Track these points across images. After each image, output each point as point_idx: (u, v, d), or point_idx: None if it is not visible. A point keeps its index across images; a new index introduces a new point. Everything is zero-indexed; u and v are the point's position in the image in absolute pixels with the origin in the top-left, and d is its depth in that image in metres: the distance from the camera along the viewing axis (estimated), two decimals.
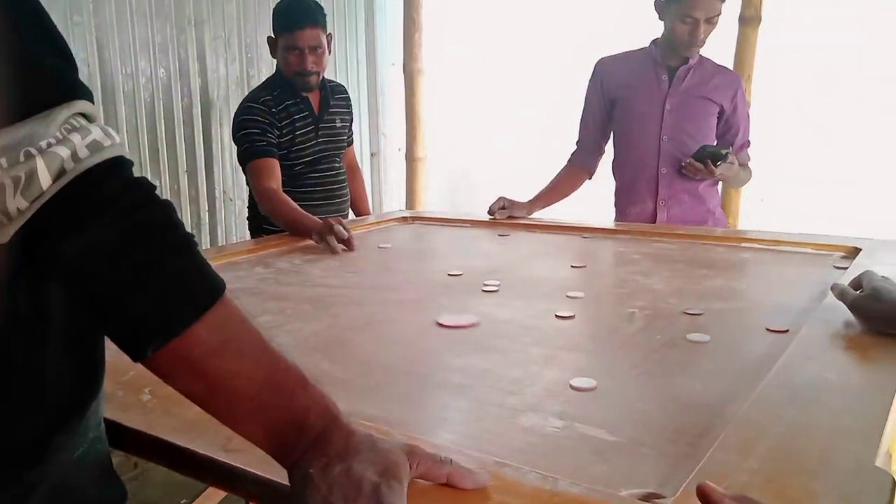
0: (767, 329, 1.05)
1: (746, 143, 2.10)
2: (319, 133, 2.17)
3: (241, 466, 0.64)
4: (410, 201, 3.43)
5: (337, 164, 2.26)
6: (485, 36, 3.47)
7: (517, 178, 2.56)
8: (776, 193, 2.68)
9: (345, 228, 1.72)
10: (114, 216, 0.51)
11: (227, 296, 0.56)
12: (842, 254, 1.53)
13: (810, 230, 1.76)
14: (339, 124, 2.24)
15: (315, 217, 1.82)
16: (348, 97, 2.31)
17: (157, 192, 0.56)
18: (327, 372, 0.91)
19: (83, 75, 2.35)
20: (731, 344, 1.00)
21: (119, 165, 0.53)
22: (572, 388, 0.84)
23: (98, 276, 0.51)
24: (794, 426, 0.68)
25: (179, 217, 0.57)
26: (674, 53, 1.99)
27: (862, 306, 0.96)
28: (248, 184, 2.20)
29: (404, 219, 2.20)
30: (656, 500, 0.58)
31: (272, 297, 1.29)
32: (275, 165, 2.02)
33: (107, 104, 2.49)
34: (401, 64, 3.38)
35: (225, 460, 0.65)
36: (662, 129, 2.02)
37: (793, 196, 2.69)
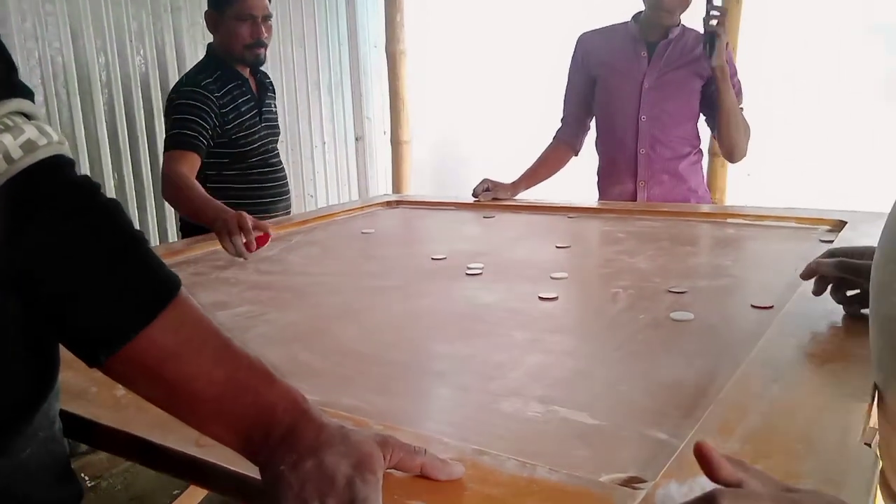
0: (752, 306, 1.04)
1: (738, 92, 1.97)
2: (262, 118, 2.06)
3: (214, 461, 0.63)
4: (396, 185, 3.41)
5: (278, 156, 2.17)
6: (468, 15, 3.43)
7: (506, 158, 2.54)
8: (763, 168, 2.67)
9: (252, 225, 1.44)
10: (51, 219, 0.49)
11: (183, 294, 0.54)
12: (827, 227, 1.52)
13: (798, 204, 1.75)
14: (274, 109, 2.15)
15: (217, 206, 1.56)
16: (273, 84, 2.18)
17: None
18: (305, 362, 0.89)
19: (57, 65, 2.34)
20: (715, 322, 0.99)
21: (57, 165, 0.51)
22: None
23: (38, 282, 0.49)
24: (777, 405, 0.66)
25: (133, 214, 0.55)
26: (653, 27, 1.95)
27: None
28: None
29: (388, 203, 2.18)
30: (636, 485, 0.57)
31: (252, 287, 1.27)
32: (196, 161, 1.85)
33: (83, 94, 2.44)
34: (383, 46, 3.34)
35: (198, 455, 0.64)
36: (641, 108, 1.98)
37: (780, 170, 2.68)
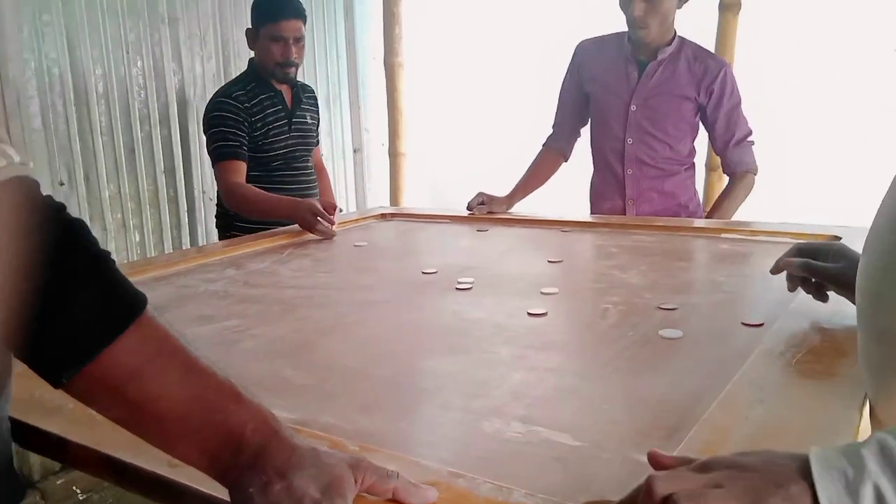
0: (743, 323, 1.02)
1: (738, 139, 1.92)
2: (292, 128, 2.17)
3: (186, 483, 0.61)
4: (394, 198, 3.40)
5: (308, 164, 2.27)
6: (466, 27, 3.43)
7: (504, 170, 2.53)
8: (760, 182, 2.66)
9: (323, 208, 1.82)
10: (13, 238, 0.49)
11: (148, 313, 0.53)
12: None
13: (794, 219, 1.74)
14: (309, 121, 2.25)
15: (287, 199, 1.93)
16: (315, 97, 2.33)
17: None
18: (288, 378, 0.88)
19: (54, 76, 2.34)
20: (704, 340, 0.98)
21: (19, 186, 0.51)
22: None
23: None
24: (761, 427, 0.65)
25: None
26: (643, 46, 1.92)
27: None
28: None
29: (383, 215, 2.17)
30: None
31: (240, 300, 1.26)
32: (243, 167, 2.05)
33: (79, 105, 2.44)
34: (381, 58, 3.34)
35: (170, 477, 0.63)
36: (627, 130, 1.96)
37: (776, 185, 2.66)
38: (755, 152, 1.98)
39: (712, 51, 2.37)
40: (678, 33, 1.94)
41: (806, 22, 2.56)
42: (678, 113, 1.93)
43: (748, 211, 2.41)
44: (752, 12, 2.52)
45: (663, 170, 1.98)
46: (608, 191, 2.05)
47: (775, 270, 1.03)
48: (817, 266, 0.96)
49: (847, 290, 0.87)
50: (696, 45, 1.95)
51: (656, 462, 0.53)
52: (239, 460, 0.53)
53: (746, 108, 1.97)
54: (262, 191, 2.00)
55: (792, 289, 1.02)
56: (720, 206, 2.00)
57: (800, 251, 1.00)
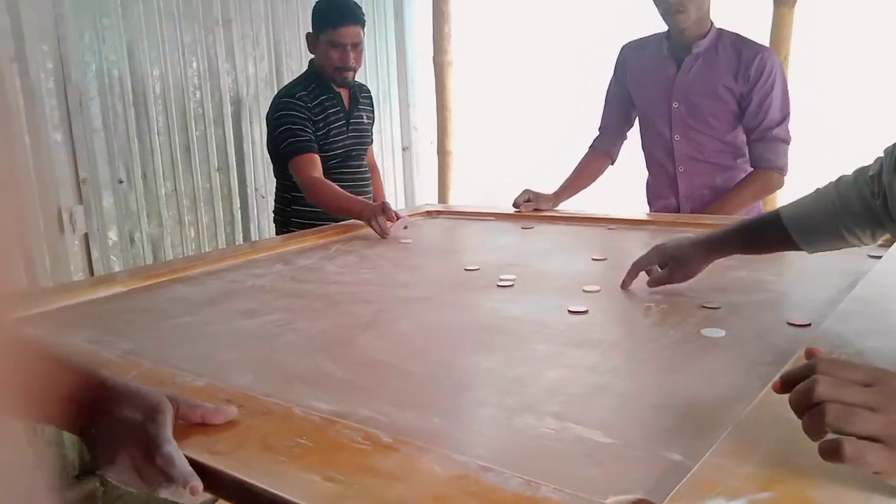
0: (789, 323, 1.00)
1: (764, 129, 1.84)
2: (350, 127, 2.22)
3: (224, 469, 0.63)
4: (442, 195, 3.42)
5: (363, 162, 2.32)
6: (515, 26, 3.42)
7: (550, 169, 2.52)
8: (816, 177, 2.58)
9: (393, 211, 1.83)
10: None
11: None
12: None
13: None
14: (365, 121, 2.30)
15: (363, 200, 1.97)
16: (371, 97, 2.37)
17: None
18: (327, 372, 0.90)
19: (113, 78, 2.42)
20: (747, 339, 0.96)
21: None
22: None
23: None
24: (798, 429, 0.64)
25: None
26: (679, 40, 1.88)
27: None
28: (276, 176, 2.23)
29: (429, 213, 2.18)
30: None
31: (285, 295, 1.29)
32: (317, 160, 2.09)
33: (138, 106, 2.52)
34: (430, 57, 3.36)
35: (210, 464, 0.65)
36: (672, 128, 1.93)
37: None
38: (785, 151, 1.87)
39: (767, 45, 2.31)
40: (715, 24, 1.89)
41: (864, 15, 2.47)
42: (720, 105, 1.88)
43: None
44: (808, 5, 2.45)
45: (715, 164, 1.94)
46: (662, 190, 2.03)
47: (628, 282, 1.23)
48: (661, 276, 1.20)
49: (678, 276, 1.19)
50: (734, 34, 1.89)
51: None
52: (79, 414, 0.66)
53: (805, 102, 1.92)
54: (342, 191, 2.01)
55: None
56: (724, 197, 1.90)
57: (637, 268, 1.22)
